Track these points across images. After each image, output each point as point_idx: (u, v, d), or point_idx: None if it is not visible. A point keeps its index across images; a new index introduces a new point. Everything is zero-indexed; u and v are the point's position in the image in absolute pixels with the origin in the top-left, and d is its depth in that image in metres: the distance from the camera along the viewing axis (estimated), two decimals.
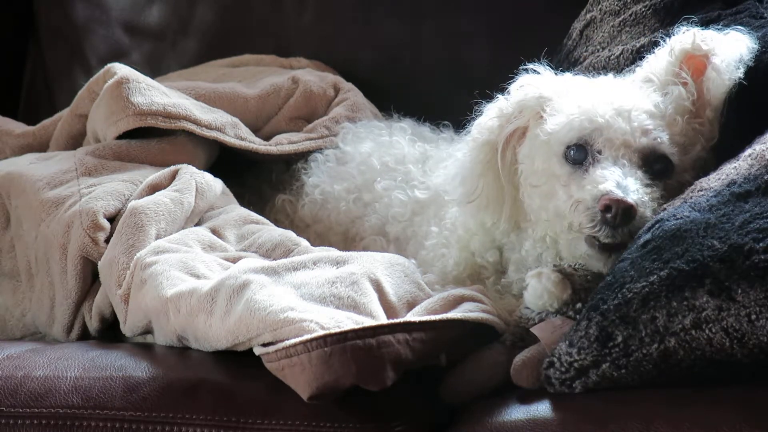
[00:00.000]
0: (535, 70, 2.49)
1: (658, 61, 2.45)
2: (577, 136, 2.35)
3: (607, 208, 2.24)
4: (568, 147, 2.36)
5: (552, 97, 2.42)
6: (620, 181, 2.27)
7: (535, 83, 2.46)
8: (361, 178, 2.88)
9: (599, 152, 2.34)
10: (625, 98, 2.38)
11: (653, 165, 2.34)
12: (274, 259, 2.46)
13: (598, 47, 2.79)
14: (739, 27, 2.43)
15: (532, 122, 2.42)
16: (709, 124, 2.40)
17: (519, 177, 2.45)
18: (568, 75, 2.51)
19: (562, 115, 2.38)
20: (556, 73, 2.50)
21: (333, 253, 2.42)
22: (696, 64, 2.41)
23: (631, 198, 2.24)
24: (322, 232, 2.88)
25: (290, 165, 3.03)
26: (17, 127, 3.17)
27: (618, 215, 2.24)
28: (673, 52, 2.42)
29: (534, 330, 2.24)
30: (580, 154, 2.35)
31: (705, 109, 2.40)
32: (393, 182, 2.82)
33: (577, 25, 2.90)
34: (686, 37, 2.41)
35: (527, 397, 2.14)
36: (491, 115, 2.48)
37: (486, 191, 2.47)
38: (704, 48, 2.39)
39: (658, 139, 2.34)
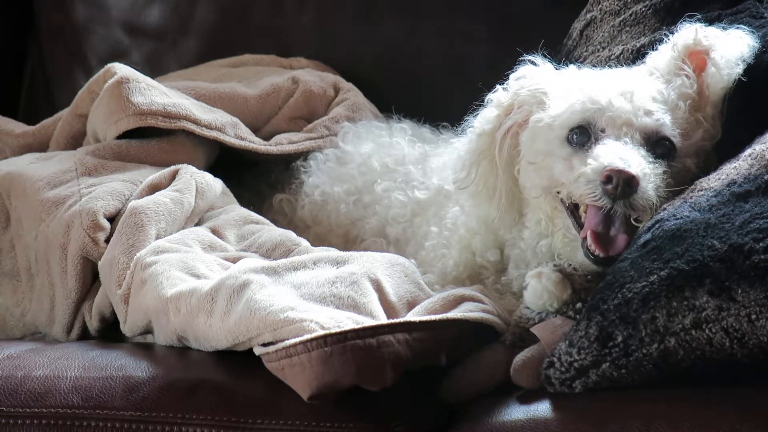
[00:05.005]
0: (533, 62, 2.50)
1: (661, 56, 2.46)
2: (580, 118, 2.36)
3: (608, 179, 2.24)
4: (571, 130, 2.36)
5: (551, 86, 2.43)
6: (622, 154, 2.27)
7: (534, 74, 2.47)
8: (362, 179, 2.88)
9: (602, 131, 2.34)
10: (628, 82, 2.39)
11: (655, 146, 2.34)
12: (274, 259, 2.46)
13: (599, 47, 2.79)
14: (740, 26, 2.44)
15: (534, 109, 2.43)
16: (711, 120, 2.40)
17: (517, 165, 2.45)
18: (572, 67, 2.52)
19: (564, 100, 2.39)
20: (556, 67, 2.51)
21: (333, 253, 2.42)
22: (698, 60, 2.42)
23: (633, 170, 2.24)
24: (322, 234, 2.88)
25: (290, 165, 3.03)
26: (17, 127, 3.17)
27: (619, 186, 2.24)
28: (675, 47, 2.43)
29: (534, 330, 2.24)
30: (582, 137, 2.36)
31: (706, 105, 2.41)
32: (393, 183, 2.82)
33: (577, 25, 2.90)
34: (689, 32, 2.43)
35: (527, 397, 2.14)
36: (489, 106, 2.50)
37: (480, 179, 2.47)
38: (705, 44, 2.40)
39: (660, 120, 2.34)
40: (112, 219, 2.61)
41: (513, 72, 2.51)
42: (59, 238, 2.60)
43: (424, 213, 2.75)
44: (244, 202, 2.82)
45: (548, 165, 2.38)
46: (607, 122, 2.34)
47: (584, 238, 2.30)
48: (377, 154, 2.89)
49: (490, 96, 2.51)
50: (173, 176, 2.70)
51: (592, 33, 2.84)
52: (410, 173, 2.82)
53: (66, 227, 2.60)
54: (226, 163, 2.96)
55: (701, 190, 2.20)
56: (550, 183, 2.37)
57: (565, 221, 2.36)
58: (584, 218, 2.32)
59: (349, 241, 2.84)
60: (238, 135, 2.94)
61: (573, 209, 2.35)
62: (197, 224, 2.66)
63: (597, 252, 2.27)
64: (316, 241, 2.81)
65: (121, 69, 2.92)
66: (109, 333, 2.56)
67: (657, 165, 2.31)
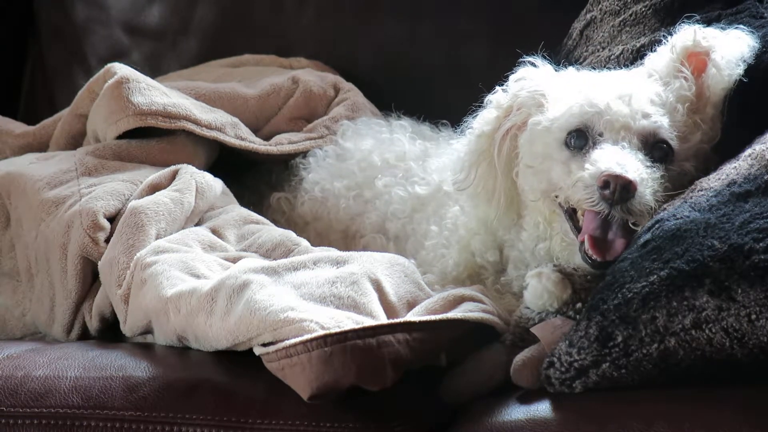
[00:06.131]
0: (533, 63, 2.50)
1: (660, 57, 2.46)
2: (578, 122, 2.36)
3: (605, 184, 2.24)
4: (569, 133, 2.36)
5: (550, 89, 2.43)
6: (619, 159, 2.27)
7: (533, 76, 2.47)
8: (362, 175, 2.88)
9: (600, 135, 2.34)
10: (626, 85, 2.39)
11: (653, 149, 2.34)
12: (274, 259, 2.46)
13: (598, 47, 2.79)
14: (740, 26, 2.44)
15: (533, 111, 2.43)
16: (710, 121, 2.40)
17: (516, 167, 2.45)
18: (570, 69, 2.51)
19: (562, 103, 2.39)
20: (555, 69, 2.51)
21: (333, 253, 2.42)
22: (697, 62, 2.42)
23: (631, 175, 2.24)
24: (322, 230, 2.88)
25: (289, 165, 3.03)
26: (17, 127, 3.17)
27: (617, 191, 2.24)
28: (674, 49, 2.43)
29: (534, 330, 2.24)
30: (580, 140, 2.35)
31: (706, 106, 2.41)
32: (393, 179, 2.82)
33: (577, 25, 2.90)
34: (687, 34, 2.42)
35: (527, 397, 2.14)
36: (489, 107, 2.50)
37: (479, 181, 2.47)
38: (705, 45, 2.40)
39: (658, 123, 2.34)
40: (112, 219, 2.61)
41: (512, 73, 2.51)
42: (59, 238, 2.60)
43: (424, 209, 2.75)
44: (244, 202, 2.82)
45: (546, 168, 2.37)
46: (605, 126, 2.34)
47: (582, 242, 2.30)
48: (378, 149, 2.90)
49: (490, 97, 2.51)
50: (173, 176, 2.70)
51: (592, 33, 2.84)
52: (411, 169, 2.82)
53: (66, 227, 2.60)
54: (226, 163, 2.96)
55: (701, 190, 2.20)
56: (548, 187, 2.37)
57: (563, 225, 2.36)
58: (582, 222, 2.32)
59: (349, 236, 2.85)
60: (238, 135, 2.95)
61: (571, 213, 2.35)
62: (197, 224, 2.66)
63: (594, 256, 2.27)
64: (316, 237, 2.81)
65: (121, 69, 2.92)
66: (109, 333, 2.56)
67: (655, 169, 2.31)
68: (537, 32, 2.72)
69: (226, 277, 2.29)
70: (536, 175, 2.39)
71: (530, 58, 2.51)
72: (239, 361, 2.23)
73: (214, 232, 2.61)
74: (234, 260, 2.48)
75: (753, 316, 1.97)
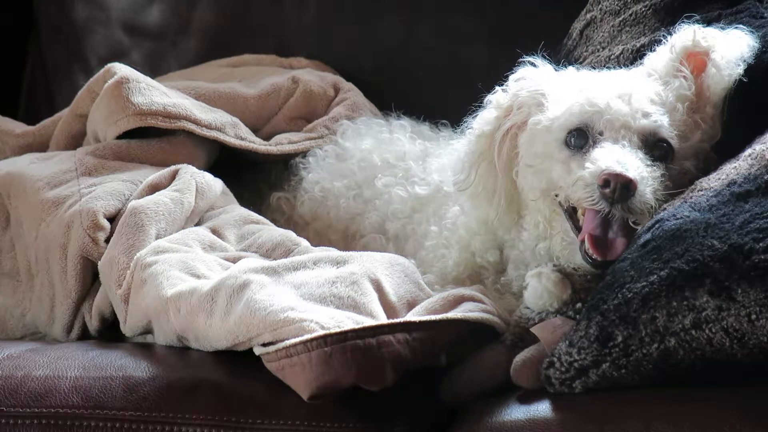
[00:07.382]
0: (533, 63, 2.50)
1: (659, 57, 2.46)
2: (578, 121, 2.35)
3: (605, 183, 2.24)
4: (569, 132, 2.36)
5: (550, 88, 2.43)
6: (620, 158, 2.27)
7: (533, 76, 2.47)
8: (362, 174, 2.88)
9: (600, 134, 2.34)
10: (626, 84, 2.39)
11: (653, 148, 2.34)
12: (274, 259, 2.46)
13: (598, 47, 2.79)
14: (740, 26, 2.44)
15: (533, 111, 2.43)
16: (710, 121, 2.40)
17: (516, 167, 2.45)
18: (570, 68, 2.51)
19: (562, 102, 2.39)
20: (555, 69, 2.51)
21: (333, 253, 2.42)
22: (697, 61, 2.42)
23: (631, 173, 2.24)
24: (322, 230, 2.88)
25: (289, 164, 3.03)
26: (17, 127, 3.18)
27: (617, 189, 2.24)
28: (674, 49, 2.43)
29: (534, 330, 2.24)
30: (580, 140, 2.35)
31: (705, 106, 2.41)
32: (393, 179, 2.82)
33: (577, 25, 2.90)
34: (687, 33, 2.42)
35: (527, 397, 2.14)
36: (488, 107, 2.50)
37: (479, 181, 2.47)
38: (704, 45, 2.40)
39: (658, 122, 2.34)
40: (112, 219, 2.61)
41: (512, 73, 2.51)
42: (59, 238, 2.60)
43: (423, 209, 2.75)
44: (244, 201, 2.82)
45: (546, 168, 2.37)
46: (605, 125, 2.34)
47: (582, 242, 2.30)
48: (378, 149, 2.89)
49: (490, 97, 2.51)
50: (173, 176, 2.70)
51: (592, 33, 2.84)
52: (411, 169, 2.82)
53: (66, 227, 2.60)
54: (226, 163, 2.96)
55: (701, 190, 2.20)
56: (548, 186, 2.37)
57: (563, 224, 2.36)
58: (582, 221, 2.32)
59: (349, 237, 2.85)
60: (238, 135, 2.95)
61: (571, 212, 2.35)
62: (197, 224, 2.66)
63: (595, 255, 2.27)
64: (316, 237, 2.81)
65: (121, 69, 2.92)
66: (109, 333, 2.56)
67: (655, 168, 2.31)
68: (537, 32, 2.71)
69: (226, 277, 2.29)
70: (536, 174, 2.39)
71: (530, 58, 2.51)
72: (239, 361, 2.23)
73: (214, 232, 2.61)
74: (234, 260, 2.48)
75: (753, 316, 1.97)
